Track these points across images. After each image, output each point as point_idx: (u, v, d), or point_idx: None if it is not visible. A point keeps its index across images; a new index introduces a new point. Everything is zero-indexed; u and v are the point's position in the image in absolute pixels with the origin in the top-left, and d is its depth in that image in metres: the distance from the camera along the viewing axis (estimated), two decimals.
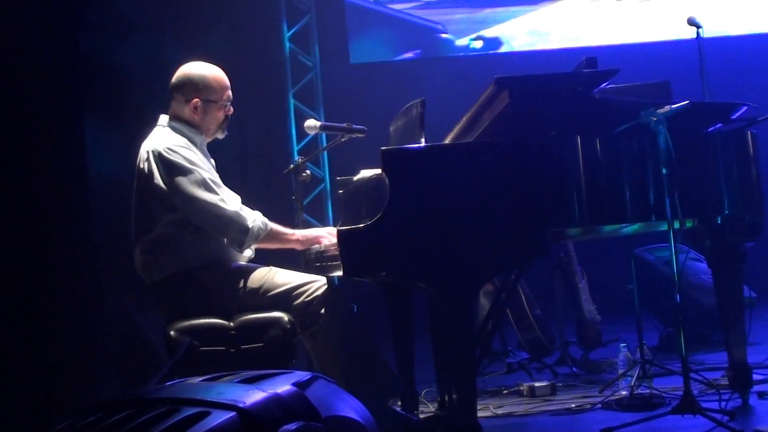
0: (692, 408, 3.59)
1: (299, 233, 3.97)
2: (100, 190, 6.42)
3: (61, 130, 6.19)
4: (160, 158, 3.79)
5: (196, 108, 3.90)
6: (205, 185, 3.77)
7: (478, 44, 8.72)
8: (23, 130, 5.82)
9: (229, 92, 3.96)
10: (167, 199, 3.79)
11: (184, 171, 3.77)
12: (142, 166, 3.84)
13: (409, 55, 8.76)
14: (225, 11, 8.02)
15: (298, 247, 4.01)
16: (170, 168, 3.78)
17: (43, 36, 6.06)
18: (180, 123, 3.92)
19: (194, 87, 3.90)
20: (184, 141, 3.87)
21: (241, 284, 3.82)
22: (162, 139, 3.86)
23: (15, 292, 5.49)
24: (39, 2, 6.00)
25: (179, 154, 3.79)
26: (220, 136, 4.01)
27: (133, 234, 3.90)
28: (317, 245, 4.02)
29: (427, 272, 3.52)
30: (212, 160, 4.02)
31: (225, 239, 3.83)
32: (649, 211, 3.75)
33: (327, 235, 3.94)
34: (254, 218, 3.82)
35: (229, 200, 3.81)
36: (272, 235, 3.89)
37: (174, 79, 3.96)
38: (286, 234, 3.94)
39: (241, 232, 3.78)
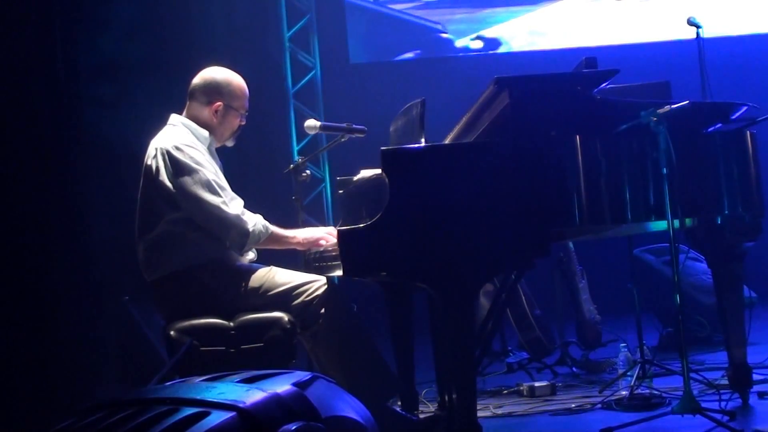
0: (692, 408, 3.59)
1: (300, 236, 3.97)
2: (100, 189, 6.42)
3: (60, 129, 6.19)
4: (168, 155, 3.80)
5: (216, 111, 3.92)
6: (209, 186, 3.77)
7: (478, 44, 8.72)
8: (22, 128, 5.82)
9: (247, 102, 4.00)
10: (172, 196, 3.80)
11: (189, 170, 3.78)
12: (149, 163, 3.85)
13: (409, 55, 8.76)
14: (225, 11, 8.02)
15: (299, 248, 4.02)
16: (176, 166, 3.78)
17: (44, 35, 6.06)
18: (195, 124, 3.92)
19: (219, 91, 3.93)
20: (193, 141, 3.88)
21: (242, 284, 3.82)
22: (171, 137, 3.87)
23: (14, 292, 5.49)
24: (39, 2, 6.01)
25: (186, 153, 3.80)
26: (230, 144, 4.05)
27: (137, 230, 3.91)
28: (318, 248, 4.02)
29: (427, 272, 3.52)
30: (219, 162, 4.03)
31: (226, 242, 3.84)
32: (649, 211, 3.75)
33: (327, 236, 3.94)
34: (255, 222, 3.83)
35: (231, 203, 3.82)
36: (273, 238, 3.89)
37: (198, 80, 3.97)
38: (286, 237, 3.95)
39: (241, 236, 3.79)
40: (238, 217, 3.79)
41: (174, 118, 3.97)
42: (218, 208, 3.77)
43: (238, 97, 3.96)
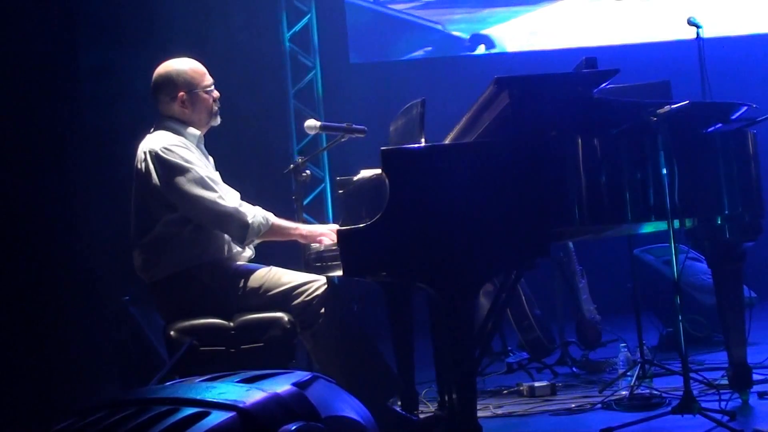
0: (692, 408, 3.59)
1: (303, 228, 3.97)
2: (100, 189, 6.43)
3: (59, 130, 6.20)
4: (157, 158, 3.79)
5: (183, 102, 3.91)
6: (202, 183, 3.77)
7: (480, 47, 8.72)
8: (23, 132, 5.82)
9: (208, 77, 3.97)
10: (166, 198, 3.79)
11: (181, 170, 3.77)
12: (139, 166, 3.85)
13: (417, 53, 8.75)
14: (225, 11, 8.02)
15: (302, 240, 4.01)
16: (167, 167, 3.78)
17: (42, 36, 6.06)
18: (173, 122, 3.92)
19: (175, 83, 3.91)
20: (180, 140, 3.87)
21: (241, 284, 3.82)
22: (158, 139, 3.86)
23: (15, 293, 5.50)
24: (39, 8, 6.01)
25: (176, 153, 3.80)
26: (215, 123, 4.01)
27: (132, 234, 3.90)
28: (318, 245, 4.02)
29: (427, 272, 3.52)
30: (211, 158, 4.03)
31: (227, 236, 3.84)
32: (649, 211, 3.75)
33: (329, 233, 3.93)
34: (254, 213, 3.82)
35: (227, 197, 3.82)
36: (274, 230, 3.88)
37: (153, 82, 3.96)
38: (288, 228, 3.94)
39: (241, 228, 3.78)
40: (236, 210, 3.78)
41: (159, 118, 3.96)
42: (215, 203, 3.77)
43: (194, 78, 3.93)
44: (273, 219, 3.89)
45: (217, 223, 3.80)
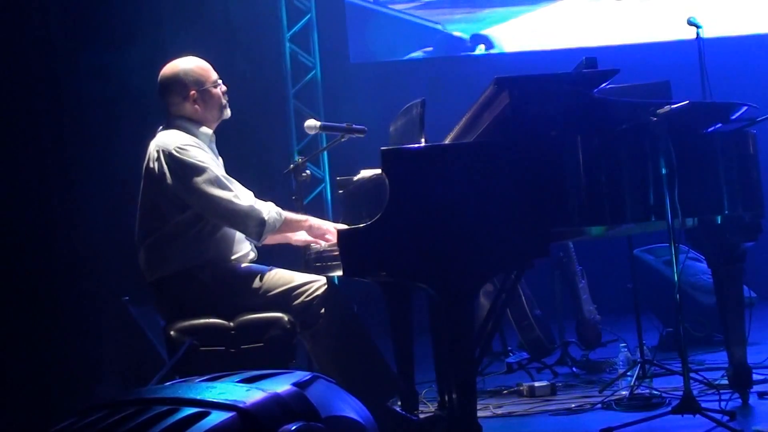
0: (692, 408, 3.59)
1: (312, 220, 3.98)
2: (101, 190, 6.43)
3: (60, 131, 6.20)
4: (171, 157, 3.78)
5: (195, 100, 3.91)
6: (218, 183, 3.77)
7: (480, 47, 8.73)
8: (25, 131, 5.82)
9: (213, 71, 3.98)
10: (178, 198, 3.78)
11: (196, 170, 3.77)
12: (152, 165, 3.83)
13: (410, 55, 8.76)
14: (225, 12, 8.02)
15: (309, 232, 3.99)
16: (182, 168, 3.77)
17: (43, 35, 6.06)
18: (185, 121, 3.92)
19: (184, 83, 3.91)
20: (193, 140, 3.87)
21: (242, 284, 3.82)
22: (171, 137, 3.85)
23: (14, 292, 5.50)
24: (39, 7, 6.01)
25: (190, 153, 3.79)
26: (226, 115, 4.01)
27: (138, 233, 3.89)
28: (317, 245, 4.03)
29: (427, 272, 3.52)
30: (220, 159, 4.02)
31: (236, 236, 3.86)
32: (649, 211, 3.75)
33: (333, 230, 3.93)
34: (269, 210, 3.83)
35: (242, 196, 3.82)
36: (287, 224, 3.90)
37: (160, 84, 3.95)
38: (299, 220, 3.96)
39: (258, 225, 3.79)
40: (251, 208, 3.79)
41: (169, 119, 3.95)
42: (231, 202, 3.77)
43: (202, 75, 3.94)
44: (285, 213, 3.90)
45: (235, 222, 3.80)
